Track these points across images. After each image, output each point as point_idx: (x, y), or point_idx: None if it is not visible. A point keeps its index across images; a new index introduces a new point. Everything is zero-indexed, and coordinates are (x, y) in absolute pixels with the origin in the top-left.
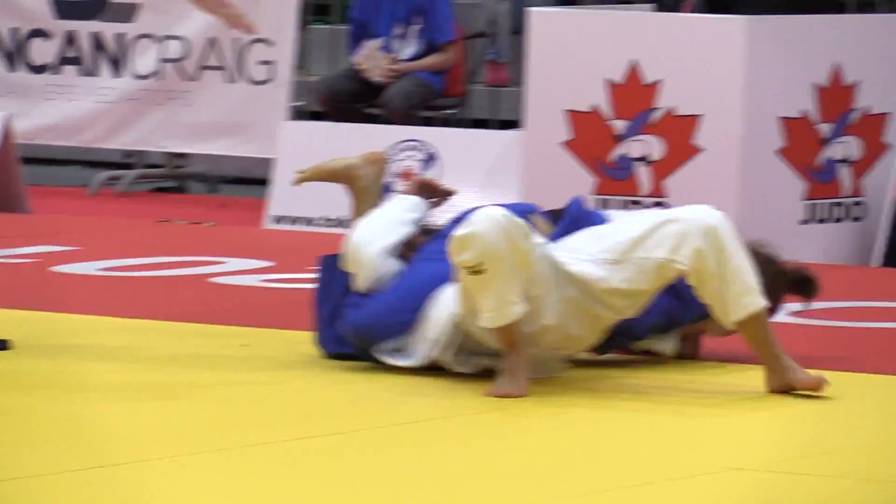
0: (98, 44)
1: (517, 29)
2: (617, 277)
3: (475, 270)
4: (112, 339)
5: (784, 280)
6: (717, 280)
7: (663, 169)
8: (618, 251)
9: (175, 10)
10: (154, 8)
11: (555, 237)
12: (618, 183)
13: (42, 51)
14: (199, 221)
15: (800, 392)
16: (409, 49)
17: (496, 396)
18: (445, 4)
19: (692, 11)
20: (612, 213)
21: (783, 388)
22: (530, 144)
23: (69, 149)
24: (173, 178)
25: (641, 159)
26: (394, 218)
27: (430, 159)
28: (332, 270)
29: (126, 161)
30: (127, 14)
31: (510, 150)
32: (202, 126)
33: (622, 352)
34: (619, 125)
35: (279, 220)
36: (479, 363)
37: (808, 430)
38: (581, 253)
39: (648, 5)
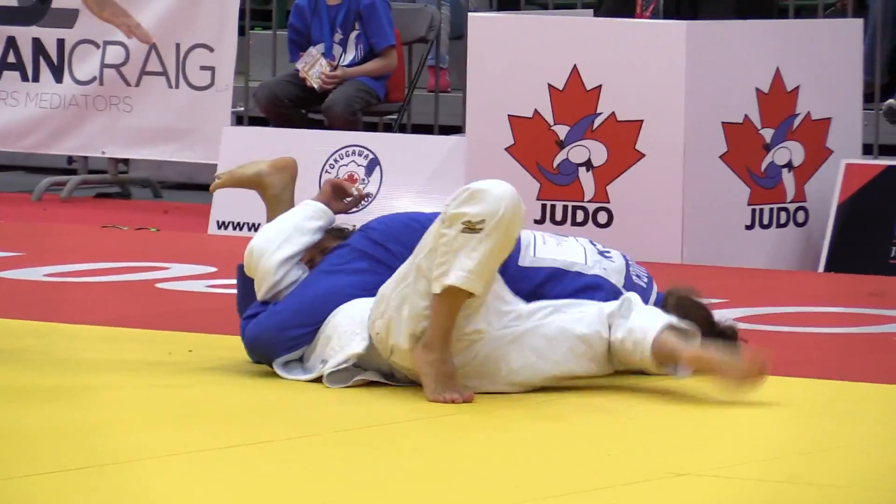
0: (39, 49)
1: (457, 34)
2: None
3: (472, 227)
4: (56, 345)
5: (712, 331)
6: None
7: (606, 174)
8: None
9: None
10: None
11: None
12: (561, 188)
13: None
14: (143, 227)
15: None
16: (349, 55)
17: (440, 402)
18: (384, 10)
19: (653, 17)
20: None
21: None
22: (473, 149)
23: (12, 154)
24: (116, 183)
25: (584, 164)
26: (296, 226)
27: (372, 164)
28: (246, 278)
29: (69, 167)
30: (68, 20)
31: (453, 156)
32: (144, 131)
33: None
34: (562, 130)
35: (222, 225)
36: (365, 378)
37: (750, 435)
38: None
39: (589, 10)
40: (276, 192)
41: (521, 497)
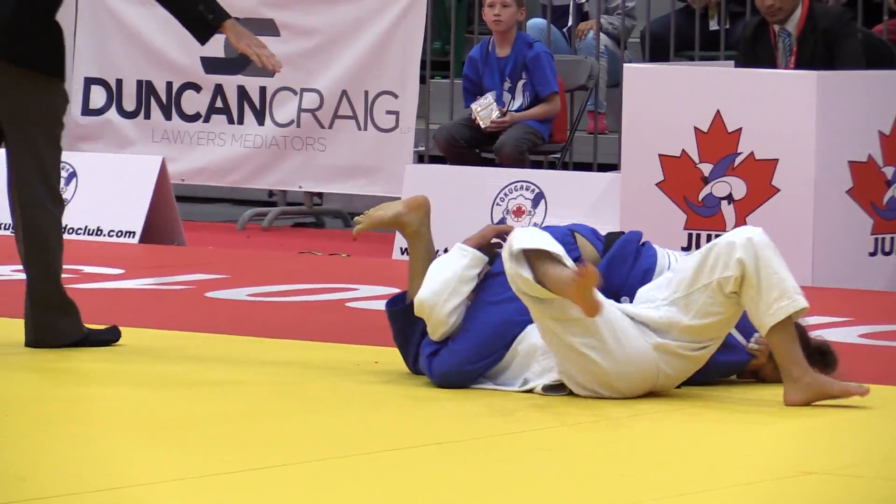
0: (243, 95)
1: (614, 82)
2: (690, 313)
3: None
4: (256, 356)
5: (807, 351)
6: (755, 287)
7: (745, 207)
8: (683, 288)
9: (311, 66)
10: (293, 64)
11: (600, 267)
12: (705, 219)
13: (194, 102)
14: (334, 253)
15: (828, 403)
16: (517, 101)
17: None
18: (548, 60)
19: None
20: (666, 251)
21: (804, 400)
22: (627, 185)
23: (219, 188)
24: (312, 214)
25: (726, 198)
26: (459, 277)
27: (538, 198)
28: (404, 315)
29: (270, 199)
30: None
31: (609, 190)
32: (336, 168)
33: None
34: (706, 168)
35: (405, 251)
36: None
37: (869, 437)
38: (656, 301)
39: (731, 61)
40: (415, 228)
41: (659, 494)
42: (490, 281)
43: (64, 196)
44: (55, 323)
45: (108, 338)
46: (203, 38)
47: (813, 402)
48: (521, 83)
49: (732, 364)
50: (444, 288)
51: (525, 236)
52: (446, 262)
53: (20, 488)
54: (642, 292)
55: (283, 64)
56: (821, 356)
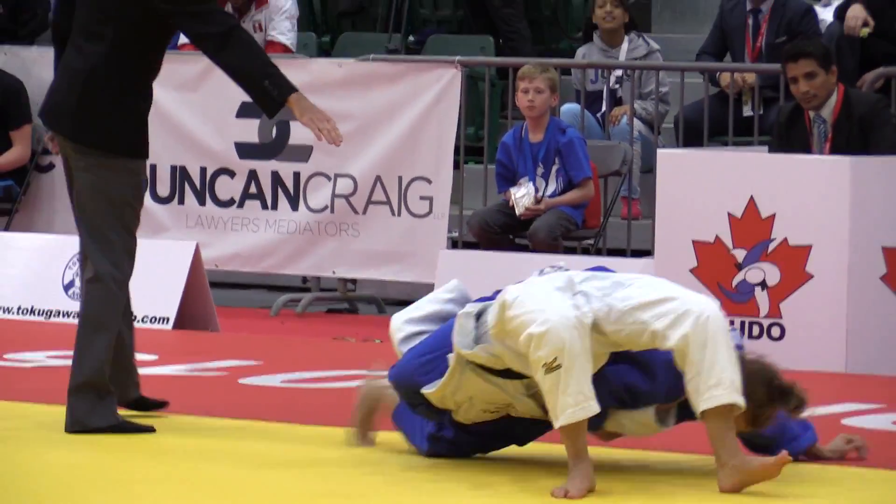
0: (277, 181)
1: (648, 168)
2: (614, 326)
3: (551, 367)
4: (286, 444)
5: (769, 392)
6: (696, 368)
7: (779, 293)
8: (626, 307)
9: (344, 152)
10: (326, 149)
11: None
12: (739, 305)
13: (228, 187)
14: (368, 339)
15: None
16: (551, 186)
17: (566, 497)
18: (581, 146)
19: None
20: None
21: (735, 486)
22: (661, 271)
23: (253, 274)
24: (345, 300)
25: (759, 284)
26: (429, 298)
27: None
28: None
29: (303, 285)
30: (302, 155)
31: None
32: (370, 254)
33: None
34: (740, 254)
35: None
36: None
37: None
38: (601, 291)
39: (764, 147)
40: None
41: None
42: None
43: None
44: (81, 402)
45: (141, 429)
46: (270, 113)
47: (746, 485)
48: (554, 168)
49: (668, 395)
50: (413, 306)
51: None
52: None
53: None
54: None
55: (342, 139)
56: (781, 395)
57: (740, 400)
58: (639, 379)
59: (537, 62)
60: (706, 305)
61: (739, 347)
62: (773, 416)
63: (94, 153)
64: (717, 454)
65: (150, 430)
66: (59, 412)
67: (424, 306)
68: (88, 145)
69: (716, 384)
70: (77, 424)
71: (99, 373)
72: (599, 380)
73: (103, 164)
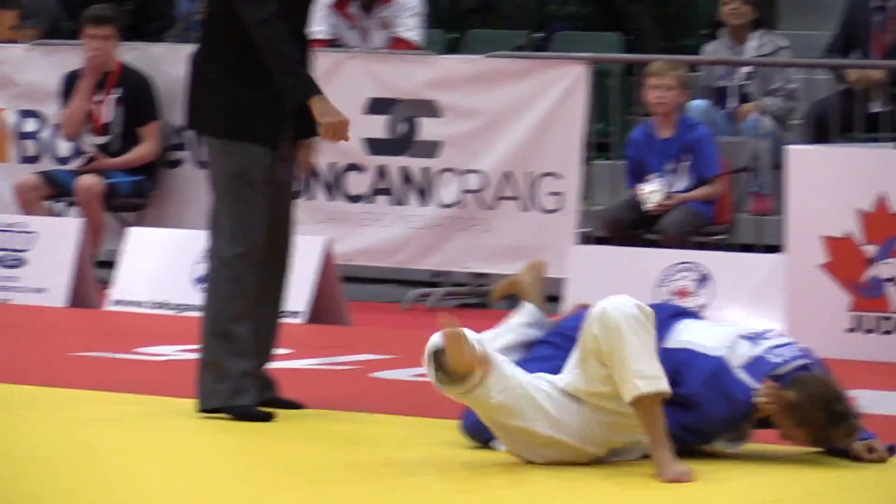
0: (406, 177)
1: (777, 164)
2: (585, 379)
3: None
4: (420, 439)
5: (825, 413)
6: (611, 363)
7: None
8: (577, 352)
9: (474, 148)
10: (455, 145)
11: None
12: (871, 301)
13: (357, 183)
14: None
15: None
16: (681, 183)
17: (673, 481)
18: (711, 143)
19: None
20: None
21: (666, 480)
22: (792, 267)
23: (383, 269)
24: (476, 295)
25: (891, 280)
26: (505, 326)
27: (702, 280)
28: None
29: (434, 280)
30: (432, 150)
31: (774, 272)
32: (500, 249)
33: None
34: (871, 249)
35: None
36: None
37: None
38: (570, 366)
39: (892, 143)
40: (528, 287)
41: None
42: (538, 345)
43: None
44: (202, 382)
45: (259, 416)
46: (289, 106)
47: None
48: (684, 165)
49: (728, 419)
50: (490, 334)
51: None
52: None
53: None
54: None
55: (349, 139)
56: (834, 420)
57: (642, 388)
58: (686, 416)
59: (665, 59)
60: (605, 300)
61: (809, 365)
62: (837, 437)
63: (203, 137)
64: (649, 444)
65: (267, 417)
66: (190, 404)
67: (505, 335)
68: (193, 128)
69: (623, 379)
70: (197, 404)
71: (208, 352)
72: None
73: (209, 147)
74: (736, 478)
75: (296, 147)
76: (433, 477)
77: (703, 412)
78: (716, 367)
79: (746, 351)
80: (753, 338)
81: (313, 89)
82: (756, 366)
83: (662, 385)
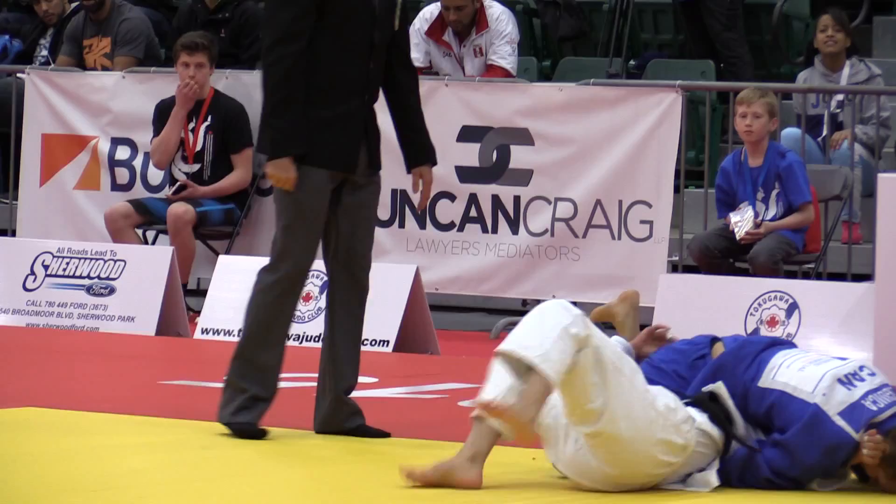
0: (497, 205)
1: (868, 192)
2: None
3: None
4: (502, 467)
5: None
6: None
7: None
8: None
9: (565, 176)
10: (546, 173)
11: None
12: None
13: (448, 211)
14: None
15: None
16: (771, 211)
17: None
18: (800, 170)
19: None
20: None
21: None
22: (882, 295)
23: (473, 297)
24: None
25: None
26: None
27: (791, 308)
28: None
29: (523, 308)
30: (523, 178)
31: (864, 301)
32: (590, 278)
33: None
34: None
35: None
36: None
37: None
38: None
39: None
40: (621, 319)
41: None
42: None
43: (318, 304)
44: (221, 397)
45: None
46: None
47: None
48: (774, 193)
49: (826, 467)
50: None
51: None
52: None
53: None
54: None
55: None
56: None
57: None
58: (780, 461)
59: (757, 86)
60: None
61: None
62: None
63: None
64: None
65: (262, 434)
66: (275, 432)
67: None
68: (259, 150)
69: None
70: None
71: (231, 370)
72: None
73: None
74: None
75: (376, 172)
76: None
77: (798, 459)
78: (813, 415)
79: (843, 397)
80: (848, 382)
81: (277, 148)
82: (853, 412)
83: (526, 353)
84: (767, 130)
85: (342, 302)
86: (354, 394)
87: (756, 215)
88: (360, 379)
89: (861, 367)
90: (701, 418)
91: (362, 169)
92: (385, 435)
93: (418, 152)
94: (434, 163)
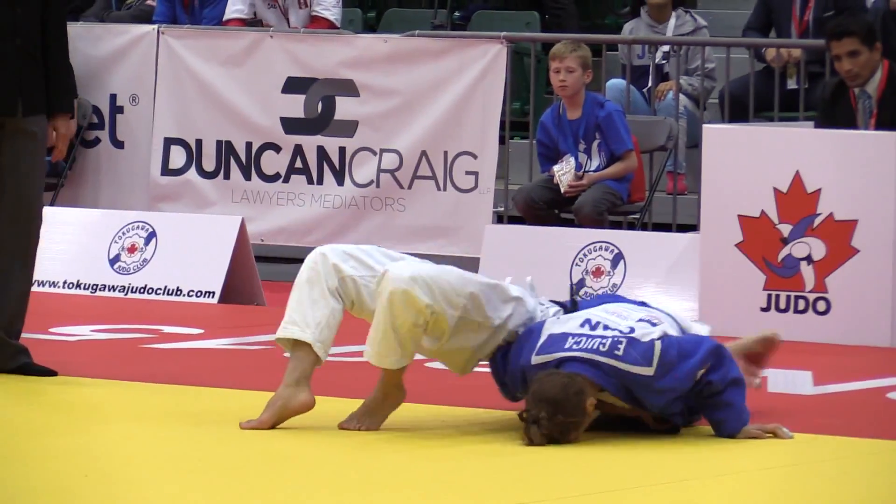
0: (323, 156)
1: (693, 143)
2: None
3: None
4: (335, 414)
5: None
6: None
7: (824, 268)
8: None
9: (390, 127)
10: (372, 125)
11: None
12: (785, 280)
13: (273, 162)
14: None
15: None
16: (594, 162)
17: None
18: (620, 119)
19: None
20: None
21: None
22: (706, 246)
23: (298, 248)
24: None
25: (805, 259)
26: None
27: (617, 258)
28: None
29: None
30: (348, 130)
31: (689, 251)
32: (416, 229)
33: None
34: (785, 229)
35: None
36: None
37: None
38: None
39: (810, 122)
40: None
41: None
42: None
43: (143, 256)
44: None
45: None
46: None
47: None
48: (595, 144)
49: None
50: None
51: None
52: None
53: None
54: None
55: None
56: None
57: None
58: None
59: (574, 38)
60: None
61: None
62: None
63: None
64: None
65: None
66: (105, 384)
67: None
68: None
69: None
70: None
71: None
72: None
73: None
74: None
75: (40, 117)
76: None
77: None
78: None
79: (560, 329)
80: (596, 326)
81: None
82: (549, 342)
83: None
84: (582, 84)
85: (5, 251)
86: (181, 345)
87: (579, 167)
88: (186, 330)
89: (631, 329)
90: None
91: (22, 113)
92: (52, 373)
93: (52, 99)
94: (68, 111)
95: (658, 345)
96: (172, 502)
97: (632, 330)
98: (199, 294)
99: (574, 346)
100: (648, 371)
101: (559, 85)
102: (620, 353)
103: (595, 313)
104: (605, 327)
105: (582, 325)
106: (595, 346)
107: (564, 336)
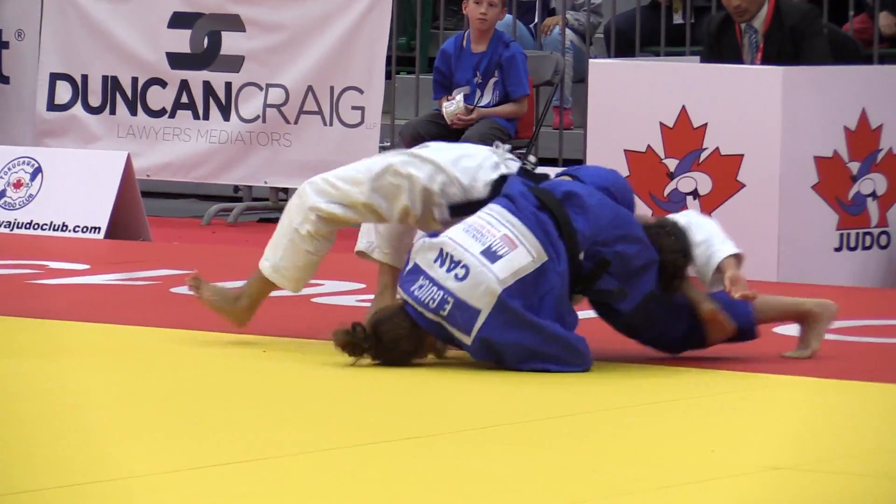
0: (209, 91)
1: (580, 78)
2: None
3: None
4: (221, 351)
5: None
6: None
7: (710, 202)
8: None
9: (276, 62)
10: (258, 59)
11: None
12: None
13: (159, 97)
14: None
15: None
16: (486, 98)
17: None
18: (522, 62)
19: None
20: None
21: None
22: None
23: (184, 184)
24: (277, 209)
25: (691, 194)
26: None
27: None
28: None
29: (235, 195)
30: (234, 65)
31: None
32: (302, 164)
33: None
34: (671, 163)
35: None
36: None
37: (841, 433)
38: None
39: (696, 56)
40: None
41: (637, 487)
42: None
43: (29, 192)
44: None
45: None
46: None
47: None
48: (492, 81)
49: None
50: None
51: None
52: None
53: (8, 480)
54: None
55: None
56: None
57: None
58: None
59: None
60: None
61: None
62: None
63: None
64: None
65: None
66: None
67: None
68: None
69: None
70: None
71: None
72: None
73: None
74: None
75: None
76: (243, 387)
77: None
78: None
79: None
80: (479, 234)
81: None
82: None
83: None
84: (498, 19)
85: None
86: (67, 280)
87: (470, 101)
88: (72, 265)
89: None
90: None
91: None
92: None
93: None
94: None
95: (483, 314)
96: (54, 438)
97: (485, 252)
98: (85, 230)
99: (415, 293)
100: (466, 340)
101: (479, 17)
102: (445, 313)
103: (456, 237)
104: (452, 259)
105: (436, 261)
106: (426, 300)
107: (417, 273)
